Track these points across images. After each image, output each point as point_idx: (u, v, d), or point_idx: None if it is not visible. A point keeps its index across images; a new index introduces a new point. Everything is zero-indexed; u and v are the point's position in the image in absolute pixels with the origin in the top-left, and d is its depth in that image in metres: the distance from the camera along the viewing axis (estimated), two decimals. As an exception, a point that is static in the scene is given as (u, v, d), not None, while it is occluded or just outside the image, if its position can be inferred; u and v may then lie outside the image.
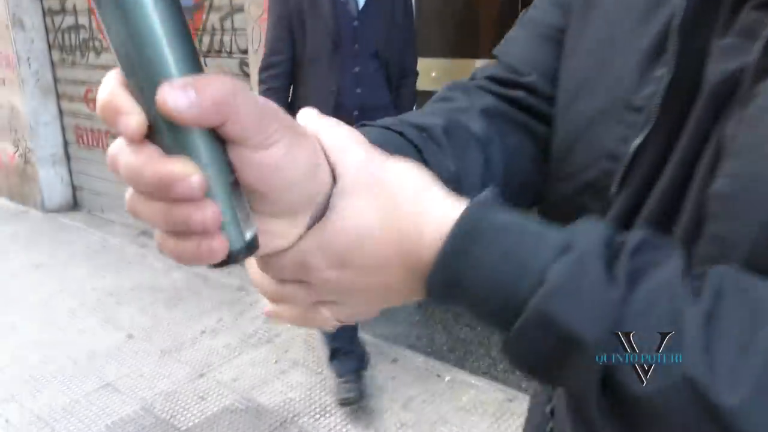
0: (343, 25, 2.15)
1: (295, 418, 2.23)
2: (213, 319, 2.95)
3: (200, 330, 2.86)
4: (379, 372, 2.47)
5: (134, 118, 0.27)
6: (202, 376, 2.51)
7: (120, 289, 3.31)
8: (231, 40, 3.31)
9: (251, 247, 0.30)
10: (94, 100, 4.24)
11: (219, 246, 0.28)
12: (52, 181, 4.57)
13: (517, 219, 0.33)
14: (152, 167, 0.27)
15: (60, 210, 4.59)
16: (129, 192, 0.29)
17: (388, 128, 0.45)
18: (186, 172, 0.27)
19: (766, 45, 0.37)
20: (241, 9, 3.07)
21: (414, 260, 0.33)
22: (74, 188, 4.67)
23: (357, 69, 2.20)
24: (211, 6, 3.37)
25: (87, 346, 2.76)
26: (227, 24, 3.32)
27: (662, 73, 0.43)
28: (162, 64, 0.27)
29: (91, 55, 4.18)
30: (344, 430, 2.16)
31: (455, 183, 0.45)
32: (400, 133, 0.44)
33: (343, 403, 2.23)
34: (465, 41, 3.33)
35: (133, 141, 0.27)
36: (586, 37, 0.50)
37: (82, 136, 4.45)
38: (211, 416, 2.26)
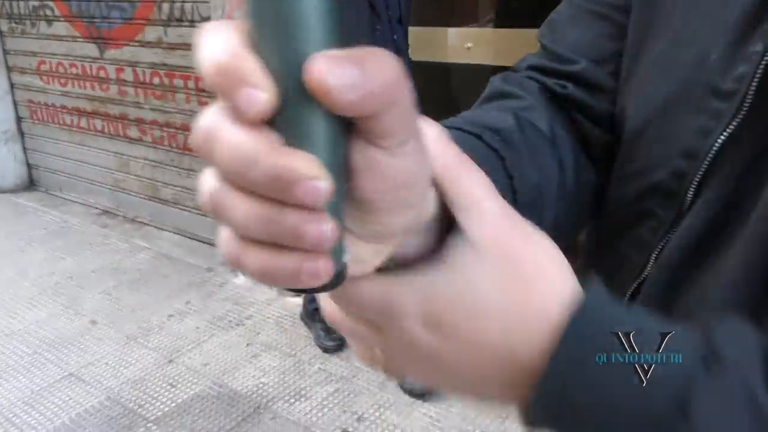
0: None
1: (269, 404, 2.16)
2: (181, 301, 2.85)
3: (167, 314, 2.75)
4: (355, 352, 2.41)
5: (265, 92, 0.20)
6: (170, 362, 2.42)
7: (81, 272, 3.16)
8: (192, 7, 3.14)
9: (344, 273, 0.25)
10: (47, 73, 4.02)
11: (325, 268, 0.22)
12: (4, 160, 4.34)
13: (633, 316, 0.27)
14: (273, 157, 0.21)
15: (15, 190, 4.37)
16: (211, 183, 0.23)
17: (462, 130, 0.39)
18: (313, 172, 0.21)
19: None
20: (201, -26, 2.91)
21: (517, 363, 0.27)
22: (29, 167, 4.46)
23: (396, 36, 2.04)
24: (169, -29, 3.19)
25: (47, 334, 2.63)
26: (187, -9, 3.14)
27: (759, 48, 0.34)
28: (319, 28, 0.20)
29: (43, 24, 3.94)
30: (320, 413, 2.11)
31: (537, 194, 0.40)
32: (479, 137, 0.39)
33: (426, 392, 2.15)
34: (435, 9, 3.22)
35: (254, 121, 0.21)
36: (661, 11, 0.41)
37: (36, 111, 4.23)
38: (181, 404, 2.18)
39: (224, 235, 0.24)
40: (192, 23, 3.16)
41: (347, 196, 0.24)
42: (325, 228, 0.22)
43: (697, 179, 0.38)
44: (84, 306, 2.85)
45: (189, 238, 3.50)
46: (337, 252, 0.23)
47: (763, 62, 0.35)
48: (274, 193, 0.21)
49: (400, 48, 2.06)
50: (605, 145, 0.47)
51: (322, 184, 0.21)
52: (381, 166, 0.23)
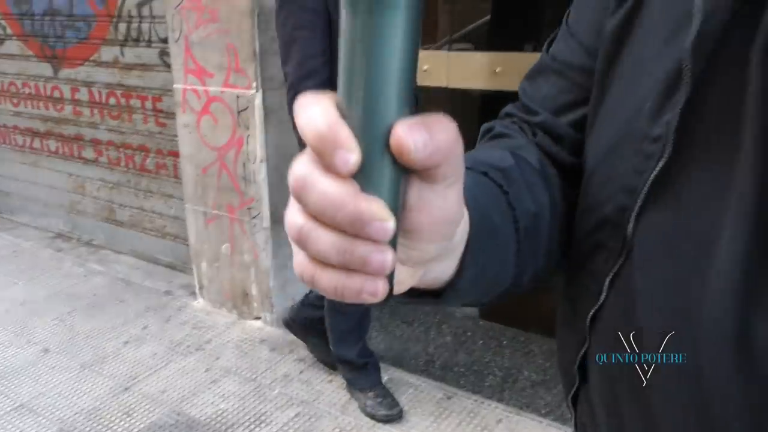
0: None
1: (229, 431, 2.13)
2: (137, 327, 2.79)
3: (124, 340, 2.69)
4: (315, 375, 2.40)
5: (355, 155, 0.27)
6: (126, 390, 2.36)
7: (34, 298, 3.07)
8: (150, 28, 3.11)
9: (392, 291, 0.30)
10: (-2, 93, 3.92)
11: (383, 289, 0.28)
12: (-47, 182, 4.21)
13: None
14: (354, 203, 0.27)
15: (-36, 212, 4.23)
16: (299, 216, 0.28)
17: (472, 169, 0.45)
18: (383, 215, 0.27)
19: None
20: (158, -5, 2.89)
21: None
22: (-21, 188, 4.32)
23: None
24: (126, -9, 3.15)
25: (-3, 364, 2.54)
26: (145, 11, 3.11)
27: (681, 97, 0.39)
28: (397, 106, 0.27)
29: (-7, 43, 3.85)
30: (281, 439, 2.09)
31: (535, 222, 0.46)
32: (485, 174, 0.45)
33: (389, 419, 2.14)
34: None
35: (345, 176, 0.27)
36: (616, 69, 0.46)
37: (-13, 132, 4.11)
38: (137, 433, 2.13)
39: (300, 259, 0.29)
40: (149, 43, 3.13)
41: (400, 228, 0.30)
42: (387, 258, 0.27)
43: (636, 212, 0.42)
44: (36, 334, 2.76)
45: (147, 261, 3.44)
46: (390, 275, 0.29)
47: (679, 109, 0.40)
48: (352, 229, 0.27)
49: None
50: (567, 191, 0.52)
51: (390, 225, 0.27)
52: (431, 204, 0.29)
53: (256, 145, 2.52)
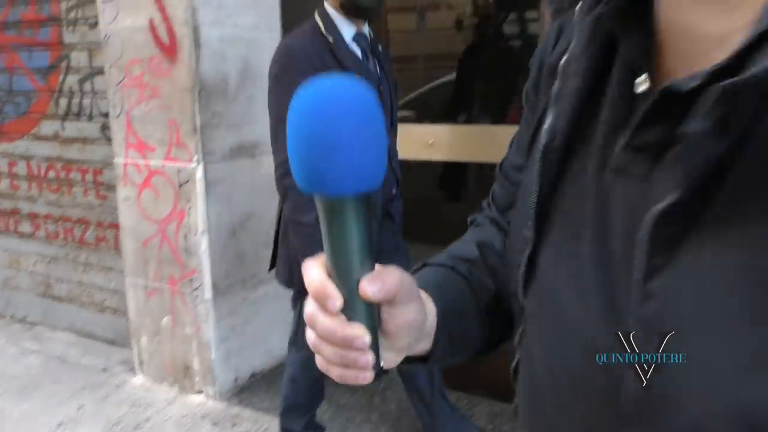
0: None
1: None
2: (72, 407, 2.68)
3: (58, 421, 2.58)
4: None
5: (339, 301, 0.44)
6: (58, 476, 2.25)
7: (-40, 381, 2.92)
8: (91, 103, 3.14)
9: (381, 372, 0.47)
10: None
11: (371, 376, 0.46)
12: None
13: None
14: (342, 330, 0.45)
15: None
16: (313, 336, 0.47)
17: (442, 265, 0.62)
18: (361, 334, 0.44)
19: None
20: (101, 71, 2.93)
21: None
22: None
23: (388, 142, 2.03)
24: (68, 67, 3.19)
25: None
26: (87, 86, 3.15)
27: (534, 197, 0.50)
28: (361, 267, 0.44)
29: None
30: None
31: (497, 300, 0.61)
32: (452, 268, 0.62)
33: None
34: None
35: (335, 313, 0.45)
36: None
37: None
38: None
39: (318, 359, 0.47)
40: (90, 118, 3.15)
41: (380, 333, 0.47)
42: (369, 359, 0.45)
43: (521, 286, 0.51)
44: (-39, 419, 2.61)
45: (84, 336, 3.33)
46: (377, 363, 0.46)
47: (534, 205, 0.49)
48: (343, 346, 0.45)
49: (392, 151, 2.09)
50: None
51: (367, 339, 0.44)
52: (397, 317, 0.47)
53: (197, 217, 2.54)
